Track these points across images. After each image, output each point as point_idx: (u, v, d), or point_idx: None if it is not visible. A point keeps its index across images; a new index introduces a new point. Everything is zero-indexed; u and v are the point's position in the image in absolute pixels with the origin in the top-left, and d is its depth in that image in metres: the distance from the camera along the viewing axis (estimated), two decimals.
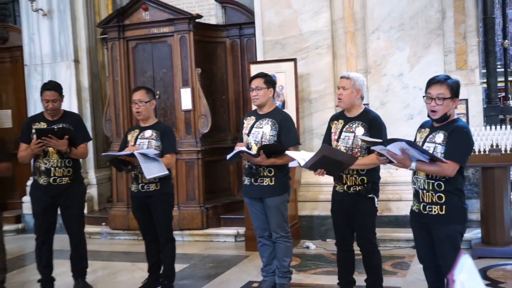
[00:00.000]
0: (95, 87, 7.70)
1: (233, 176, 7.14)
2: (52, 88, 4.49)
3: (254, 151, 4.11)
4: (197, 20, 6.62)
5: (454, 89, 3.18)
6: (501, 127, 5.42)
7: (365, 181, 3.80)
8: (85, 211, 6.78)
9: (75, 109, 7.15)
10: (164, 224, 4.48)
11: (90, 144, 7.12)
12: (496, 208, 5.15)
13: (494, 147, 5.08)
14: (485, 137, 5.19)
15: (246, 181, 4.28)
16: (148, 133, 4.44)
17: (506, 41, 7.45)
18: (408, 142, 3.08)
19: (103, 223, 7.02)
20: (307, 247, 5.85)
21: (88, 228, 6.60)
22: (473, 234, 5.52)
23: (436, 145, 3.17)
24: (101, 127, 7.33)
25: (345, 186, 3.84)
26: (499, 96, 7.28)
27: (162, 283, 4.53)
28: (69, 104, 7.12)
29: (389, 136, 3.74)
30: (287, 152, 3.97)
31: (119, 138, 6.31)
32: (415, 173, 3.30)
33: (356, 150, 3.80)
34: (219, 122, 7.04)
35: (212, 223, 6.60)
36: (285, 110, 5.52)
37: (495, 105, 6.48)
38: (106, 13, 7.67)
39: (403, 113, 5.94)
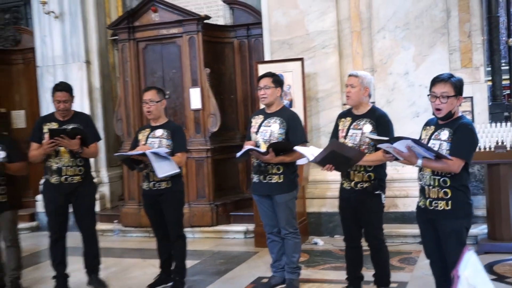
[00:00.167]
0: (106, 87, 7.74)
1: (242, 174, 7.16)
2: (63, 89, 4.51)
3: (262, 149, 4.13)
4: (205, 21, 6.65)
5: (458, 87, 3.19)
6: (506, 124, 5.42)
7: (372, 178, 3.79)
8: (98, 209, 6.93)
9: (86, 109, 7.20)
10: (175, 221, 4.49)
11: (101, 144, 7.22)
12: (501, 204, 5.16)
13: (499, 144, 5.11)
14: (490, 134, 5.21)
15: (255, 178, 4.29)
16: (159, 132, 4.45)
17: (511, 39, 7.41)
18: (414, 140, 3.11)
19: (115, 221, 7.06)
20: (316, 243, 5.87)
21: (101, 226, 6.68)
22: (479, 229, 5.51)
23: (442, 142, 3.19)
24: (112, 127, 7.37)
25: (352, 183, 3.85)
26: (504, 93, 7.29)
27: (174, 279, 4.56)
28: (81, 104, 7.16)
29: (395, 134, 3.76)
30: (296, 148, 3.98)
31: (130, 137, 6.34)
32: (421, 169, 3.30)
33: (364, 147, 3.80)
34: (227, 121, 7.06)
35: (222, 220, 6.64)
36: (292, 109, 5.52)
37: (500, 102, 6.48)
38: (116, 15, 7.73)
39: (409, 111, 5.96)
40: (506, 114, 6.43)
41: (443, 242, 3.26)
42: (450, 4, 5.93)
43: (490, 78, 6.67)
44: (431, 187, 3.24)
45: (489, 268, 4.64)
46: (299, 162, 4.31)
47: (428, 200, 3.26)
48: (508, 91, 9.36)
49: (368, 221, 3.90)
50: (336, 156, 3.63)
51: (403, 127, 5.36)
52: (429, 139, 3.27)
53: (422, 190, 3.33)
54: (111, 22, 7.41)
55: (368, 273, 4.13)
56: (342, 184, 3.98)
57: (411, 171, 5.32)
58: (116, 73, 7.77)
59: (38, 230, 7.40)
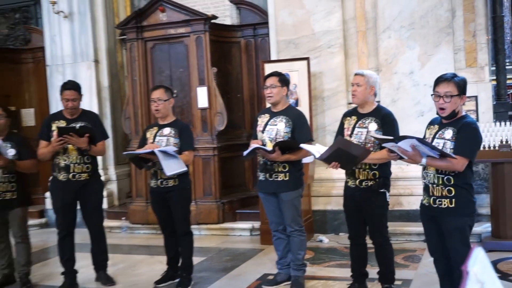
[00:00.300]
0: (114, 86, 7.78)
1: (248, 172, 7.18)
2: (71, 87, 4.53)
3: (269, 147, 4.14)
4: (212, 21, 6.68)
5: (461, 86, 3.20)
6: (510, 123, 5.43)
7: (377, 176, 3.81)
8: (106, 206, 6.98)
9: (95, 108, 7.24)
10: (182, 218, 4.51)
11: (110, 142, 7.29)
12: (506, 202, 5.17)
13: (504, 143, 5.12)
14: (494, 133, 5.22)
15: (261, 176, 4.30)
16: (166, 130, 4.46)
17: None
18: (419, 139, 3.13)
19: (123, 218, 7.11)
20: (321, 241, 5.89)
21: (109, 223, 6.74)
22: (483, 228, 5.53)
23: (446, 141, 3.20)
24: (120, 125, 7.41)
25: (357, 181, 3.85)
26: (508, 93, 7.26)
27: (181, 275, 4.58)
28: (90, 103, 7.20)
29: (401, 133, 3.78)
30: (302, 145, 3.99)
31: (138, 135, 6.37)
32: (425, 168, 3.31)
33: (369, 145, 3.81)
34: (234, 120, 7.09)
35: (228, 218, 6.67)
36: (298, 107, 5.55)
37: (504, 101, 6.46)
38: (125, 14, 7.76)
39: (413, 110, 5.97)
40: (510, 113, 6.42)
41: (446, 239, 3.27)
42: (455, 4, 5.93)
43: (494, 77, 6.66)
44: (435, 185, 3.25)
45: (493, 266, 4.59)
46: (305, 160, 4.34)
47: (432, 198, 3.27)
48: None
49: (372, 219, 3.92)
50: (342, 154, 3.63)
51: (408, 126, 5.38)
52: (433, 138, 3.28)
53: (426, 188, 3.34)
54: (119, 22, 7.45)
55: (372, 270, 4.15)
56: (347, 182, 3.98)
57: (416, 170, 5.34)
58: (124, 72, 7.82)
59: (47, 227, 7.44)
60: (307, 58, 6.20)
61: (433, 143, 3.23)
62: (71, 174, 4.50)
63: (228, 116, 6.68)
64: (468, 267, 1.22)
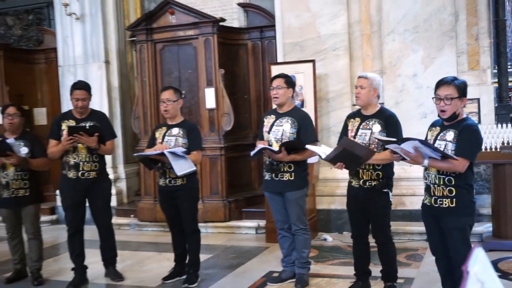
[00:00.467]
0: (124, 87, 7.85)
1: (254, 172, 7.22)
2: (82, 87, 4.56)
3: (275, 147, 4.19)
4: (220, 24, 6.73)
5: (461, 89, 3.23)
6: (511, 125, 5.44)
7: (380, 176, 3.83)
8: (115, 204, 7.05)
9: (105, 108, 7.31)
10: (190, 216, 4.55)
11: (119, 141, 7.37)
12: (506, 203, 5.21)
13: (505, 144, 5.16)
14: (496, 135, 5.26)
15: (267, 176, 4.33)
16: (175, 130, 4.50)
17: None
18: (421, 141, 3.16)
19: (132, 215, 7.17)
20: (325, 239, 5.94)
21: (118, 220, 6.83)
22: (484, 227, 5.56)
23: (447, 142, 3.24)
24: (129, 125, 7.48)
25: (361, 181, 3.88)
26: (510, 95, 7.23)
27: (188, 272, 4.63)
28: (100, 103, 7.27)
29: (404, 134, 3.84)
30: (308, 146, 4.03)
31: (147, 135, 6.43)
32: (426, 168, 3.35)
33: (373, 146, 3.84)
34: (241, 120, 7.14)
35: (234, 216, 6.72)
36: (303, 109, 5.60)
37: (506, 104, 6.46)
38: (135, 17, 7.83)
39: (417, 112, 5.98)
40: (511, 115, 6.46)
41: (447, 239, 3.31)
42: (458, 7, 5.93)
43: (496, 80, 6.66)
44: (436, 185, 3.29)
45: (494, 266, 4.66)
46: (310, 160, 4.38)
47: (433, 198, 3.31)
48: None
49: (376, 218, 3.95)
50: (347, 154, 3.67)
51: (411, 127, 5.41)
52: (435, 139, 3.32)
53: (427, 189, 3.38)
54: (129, 24, 7.52)
55: (375, 269, 4.19)
56: (350, 182, 4.02)
57: (418, 170, 5.25)
58: (134, 73, 7.87)
59: (58, 223, 7.49)
60: (312, 61, 6.24)
61: (435, 145, 3.26)
62: (80, 172, 4.54)
63: (235, 116, 6.73)
64: (469, 267, 1.22)
